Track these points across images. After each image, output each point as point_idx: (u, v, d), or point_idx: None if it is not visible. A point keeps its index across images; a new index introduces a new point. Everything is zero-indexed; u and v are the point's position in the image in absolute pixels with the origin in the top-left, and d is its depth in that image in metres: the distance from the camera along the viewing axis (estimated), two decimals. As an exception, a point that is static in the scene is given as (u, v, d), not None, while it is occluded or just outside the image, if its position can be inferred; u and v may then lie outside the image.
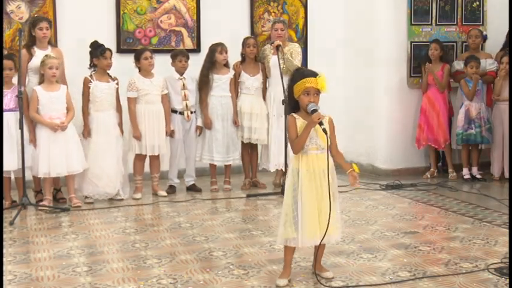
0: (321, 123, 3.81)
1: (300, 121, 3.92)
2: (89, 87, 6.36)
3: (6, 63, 6.05)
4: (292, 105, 4.01)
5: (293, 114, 3.97)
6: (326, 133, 3.81)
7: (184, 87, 6.80)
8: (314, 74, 3.89)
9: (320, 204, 3.90)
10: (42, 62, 6.10)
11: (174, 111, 6.82)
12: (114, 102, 6.49)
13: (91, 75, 6.41)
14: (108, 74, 6.49)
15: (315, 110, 3.82)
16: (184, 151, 7.00)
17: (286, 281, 3.98)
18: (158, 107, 6.64)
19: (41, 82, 6.18)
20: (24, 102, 6.06)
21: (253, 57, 6.99)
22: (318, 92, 3.88)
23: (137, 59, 6.60)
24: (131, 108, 6.58)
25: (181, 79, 6.80)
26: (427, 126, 7.50)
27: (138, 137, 6.57)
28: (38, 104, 6.11)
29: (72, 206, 6.19)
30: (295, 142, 3.91)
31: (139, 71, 6.62)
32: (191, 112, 6.86)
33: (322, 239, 3.89)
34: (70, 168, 6.21)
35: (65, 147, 6.17)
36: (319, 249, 4.07)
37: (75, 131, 6.31)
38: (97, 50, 6.37)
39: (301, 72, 4.01)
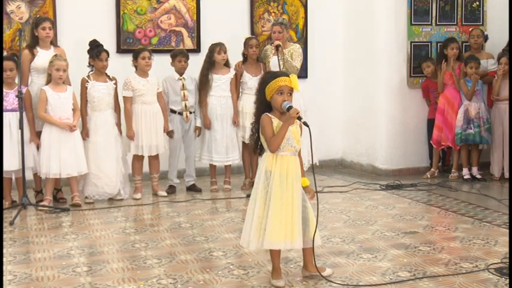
0: (299, 118, 3.80)
1: (275, 121, 3.88)
2: (86, 88, 6.37)
3: (8, 63, 6.05)
4: (262, 108, 3.95)
5: (267, 114, 3.91)
6: (307, 125, 3.79)
7: (183, 87, 6.80)
8: (286, 74, 3.91)
9: (292, 207, 3.85)
10: (51, 63, 6.12)
11: (173, 111, 6.82)
12: (111, 102, 6.49)
13: (88, 76, 6.42)
14: (106, 74, 6.49)
15: (290, 107, 3.81)
16: (183, 151, 7.00)
17: (283, 281, 3.97)
18: (155, 107, 6.64)
19: (48, 82, 6.20)
20: (26, 102, 6.08)
21: (255, 58, 6.99)
22: (291, 91, 3.88)
23: (135, 58, 6.61)
24: (126, 108, 6.58)
25: (180, 79, 6.80)
26: (446, 125, 7.45)
27: (131, 136, 6.56)
28: (46, 104, 6.12)
29: (71, 205, 6.19)
30: (273, 140, 3.86)
31: (136, 70, 6.63)
32: (190, 112, 6.86)
33: (313, 240, 3.89)
34: (79, 168, 6.24)
35: (73, 148, 6.19)
36: (306, 253, 4.06)
37: (80, 132, 6.33)
38: (93, 51, 6.38)
39: (273, 74, 4.01)
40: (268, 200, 3.85)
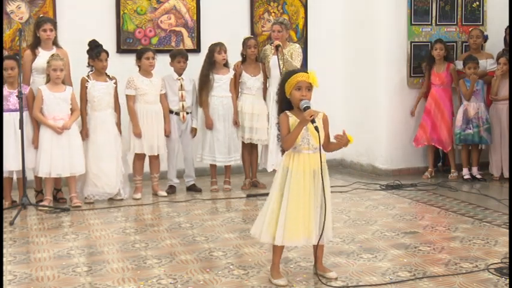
0: (313, 121, 3.79)
1: (292, 119, 3.91)
2: (86, 87, 6.37)
3: (9, 62, 6.05)
4: (284, 106, 3.99)
5: (286, 112, 3.95)
6: (317, 131, 3.78)
7: (181, 88, 6.80)
8: (304, 71, 3.92)
9: (309, 205, 3.88)
10: (48, 63, 6.13)
11: (170, 111, 6.81)
12: (112, 102, 6.49)
13: (88, 75, 6.42)
14: (106, 73, 6.49)
15: (307, 107, 3.80)
16: (181, 151, 7.00)
17: (286, 279, 3.98)
18: (157, 107, 6.65)
19: (47, 82, 6.20)
20: (29, 102, 6.10)
21: (254, 58, 6.99)
22: (309, 87, 3.88)
23: (139, 58, 6.61)
24: (130, 106, 6.58)
25: (179, 80, 6.80)
26: (431, 126, 7.48)
27: (138, 134, 6.55)
28: (42, 103, 6.12)
29: (72, 206, 6.19)
30: (286, 138, 3.89)
31: (139, 70, 6.63)
32: (187, 113, 6.86)
33: (319, 239, 3.90)
34: (72, 169, 6.22)
35: (67, 148, 6.17)
36: (318, 250, 4.07)
37: (79, 132, 6.31)
38: (93, 51, 6.38)
39: (292, 71, 4.03)
40: (284, 196, 3.87)
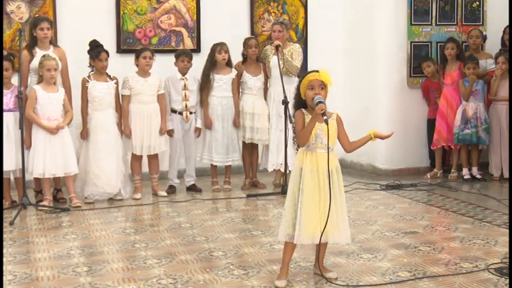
0: (323, 114, 3.80)
1: (307, 117, 3.94)
2: (87, 88, 6.36)
3: (3, 64, 6.04)
4: (298, 107, 4.02)
5: (302, 109, 3.99)
6: (327, 123, 3.80)
7: (185, 87, 6.80)
8: (316, 70, 3.95)
9: (323, 204, 3.90)
10: (40, 64, 6.11)
11: (174, 111, 6.82)
12: (112, 102, 6.49)
13: (89, 76, 6.42)
14: (107, 73, 6.49)
15: (319, 102, 3.81)
16: (184, 151, 7.00)
17: (285, 281, 3.98)
18: (152, 107, 6.63)
19: (39, 82, 6.19)
20: (24, 103, 6.07)
21: (254, 58, 6.99)
22: (322, 85, 3.89)
23: (137, 57, 6.61)
24: (123, 106, 6.59)
25: (183, 79, 6.80)
26: (446, 126, 7.44)
27: (127, 134, 6.56)
28: (36, 103, 6.12)
29: (72, 206, 6.19)
30: (300, 133, 3.93)
31: (137, 70, 6.63)
32: (190, 113, 6.86)
33: (320, 238, 3.89)
34: (66, 169, 6.20)
35: (61, 148, 6.16)
36: (320, 249, 4.07)
37: (70, 133, 6.30)
38: (93, 51, 6.38)
39: (305, 72, 4.08)
40: (300, 196, 3.90)
